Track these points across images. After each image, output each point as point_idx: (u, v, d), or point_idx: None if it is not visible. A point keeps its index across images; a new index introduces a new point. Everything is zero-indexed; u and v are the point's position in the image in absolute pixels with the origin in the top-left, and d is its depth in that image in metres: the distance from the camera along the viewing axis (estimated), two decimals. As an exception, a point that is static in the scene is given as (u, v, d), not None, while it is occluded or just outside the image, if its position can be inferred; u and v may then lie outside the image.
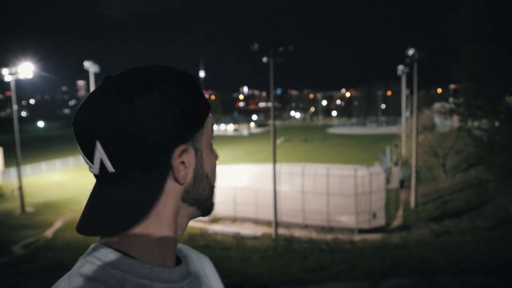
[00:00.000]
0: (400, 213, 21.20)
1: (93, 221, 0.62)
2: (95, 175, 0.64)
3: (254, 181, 26.42)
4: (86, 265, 0.60)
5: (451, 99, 31.48)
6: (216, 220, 20.21)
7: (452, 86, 57.67)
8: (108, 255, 0.60)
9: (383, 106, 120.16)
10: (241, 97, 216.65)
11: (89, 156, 0.61)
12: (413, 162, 23.97)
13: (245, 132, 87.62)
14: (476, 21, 20.04)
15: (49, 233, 18.43)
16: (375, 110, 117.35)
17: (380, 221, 19.26)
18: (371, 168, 24.70)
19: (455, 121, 30.73)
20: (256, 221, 20.18)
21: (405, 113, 43.78)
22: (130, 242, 0.62)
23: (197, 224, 19.05)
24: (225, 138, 72.11)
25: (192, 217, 0.72)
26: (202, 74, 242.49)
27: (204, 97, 0.71)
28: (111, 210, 0.61)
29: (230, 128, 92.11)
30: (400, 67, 40.93)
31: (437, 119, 41.99)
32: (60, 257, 12.36)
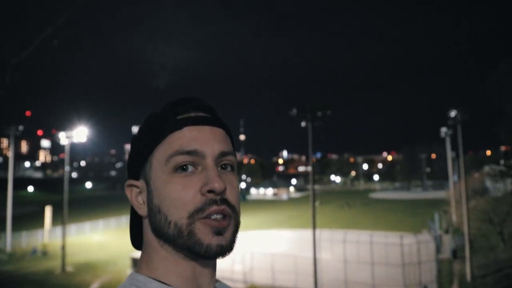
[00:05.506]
0: (455, 287, 19.21)
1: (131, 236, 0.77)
2: None
3: (294, 248, 25.41)
4: None
5: (501, 161, 29.68)
6: (253, 288, 19.26)
7: (503, 148, 54.79)
8: (137, 278, 0.66)
9: (427, 169, 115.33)
10: (280, 161, 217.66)
11: None
12: (465, 229, 22.17)
13: (284, 196, 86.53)
14: None
15: (85, 295, 18.37)
16: (419, 174, 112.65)
17: (433, 295, 17.49)
18: (419, 236, 23.09)
19: (508, 184, 28.65)
20: (295, 291, 18.99)
21: (452, 177, 41.63)
22: (148, 266, 0.68)
23: (233, 291, 18.20)
24: (264, 203, 71.42)
25: (179, 257, 0.67)
26: (242, 137, 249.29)
27: (154, 127, 0.71)
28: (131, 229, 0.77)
29: (269, 192, 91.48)
30: (443, 129, 39.81)
31: (489, 183, 39.47)
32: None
